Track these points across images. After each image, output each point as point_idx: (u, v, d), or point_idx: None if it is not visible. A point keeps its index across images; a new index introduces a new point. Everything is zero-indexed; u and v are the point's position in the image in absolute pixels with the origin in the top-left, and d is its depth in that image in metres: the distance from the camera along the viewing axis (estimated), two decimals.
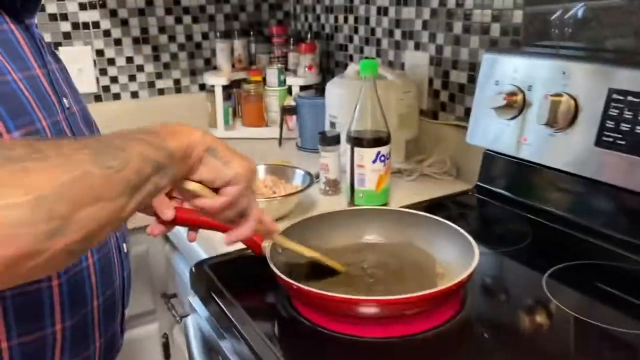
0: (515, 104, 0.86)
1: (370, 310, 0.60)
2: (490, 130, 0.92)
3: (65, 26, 1.41)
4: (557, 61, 0.82)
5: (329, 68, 1.56)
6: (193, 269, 0.77)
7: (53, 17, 1.39)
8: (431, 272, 0.71)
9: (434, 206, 0.95)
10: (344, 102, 1.11)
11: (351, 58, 1.46)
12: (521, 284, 0.73)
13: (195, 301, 0.77)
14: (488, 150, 0.96)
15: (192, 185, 0.52)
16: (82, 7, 1.42)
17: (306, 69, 1.45)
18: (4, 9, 0.57)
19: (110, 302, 0.66)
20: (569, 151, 0.80)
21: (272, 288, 0.67)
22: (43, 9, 1.37)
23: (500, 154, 0.93)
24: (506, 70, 0.89)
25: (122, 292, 0.70)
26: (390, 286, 0.67)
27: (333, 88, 1.17)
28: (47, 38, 1.39)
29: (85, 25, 1.43)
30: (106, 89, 1.50)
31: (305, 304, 0.64)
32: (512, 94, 0.86)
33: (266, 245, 0.70)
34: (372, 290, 0.66)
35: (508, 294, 0.71)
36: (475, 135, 0.96)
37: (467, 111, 1.09)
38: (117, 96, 1.52)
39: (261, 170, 1.02)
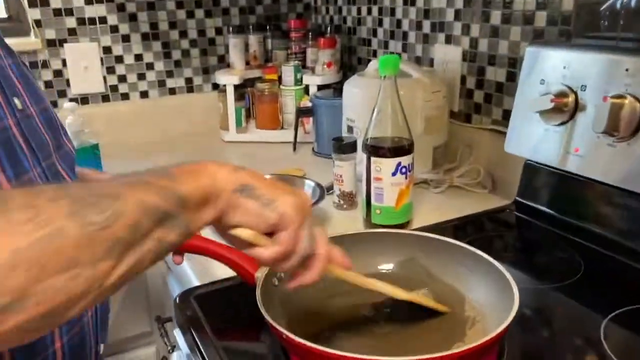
0: (565, 108, 0.72)
1: None
2: (533, 138, 0.78)
3: (70, 22, 1.33)
4: (618, 55, 0.67)
5: (350, 65, 1.43)
6: (177, 299, 0.67)
7: (57, 12, 1.31)
8: (459, 315, 0.58)
9: (464, 226, 0.81)
10: (363, 103, 0.98)
11: (374, 54, 1.33)
12: (573, 332, 0.59)
13: (179, 336, 0.66)
14: (530, 160, 0.82)
15: (240, 232, 0.44)
16: (88, 1, 1.33)
17: (325, 66, 1.32)
18: None
19: (77, 341, 0.55)
20: (632, 165, 0.65)
21: (268, 330, 0.56)
22: (47, 4, 1.29)
23: (545, 165, 0.79)
24: (554, 67, 0.74)
25: (95, 327, 0.59)
26: (408, 338, 0.54)
27: (351, 87, 1.04)
28: (51, 35, 1.31)
29: (92, 21, 1.35)
30: (114, 88, 1.41)
31: (302, 358, 0.52)
32: (562, 95, 0.72)
33: (259, 275, 0.58)
34: (383, 343, 0.54)
35: (556, 345, 0.57)
36: (515, 143, 0.81)
37: (506, 114, 0.95)
38: (125, 96, 1.43)
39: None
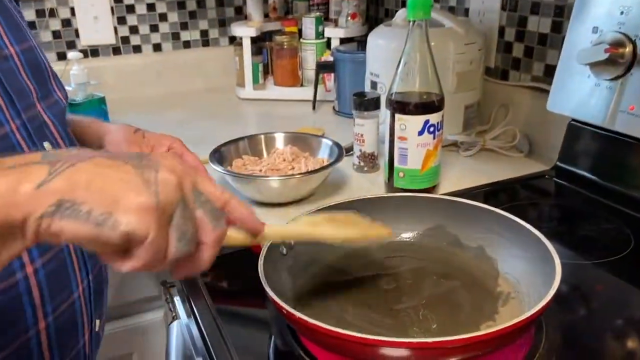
0: (621, 59, 0.62)
1: (401, 355, 0.41)
2: (580, 94, 0.69)
3: None
4: None
5: (376, 17, 1.33)
6: None
7: None
8: (491, 290, 0.51)
9: (497, 192, 0.74)
10: (389, 56, 0.89)
11: (403, 4, 1.22)
12: (624, 314, 0.51)
13: (178, 304, 0.61)
14: (575, 120, 0.73)
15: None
16: None
17: (349, 18, 1.22)
18: None
19: (65, 319, 0.50)
20: None
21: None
22: None
23: (592, 125, 0.70)
24: (610, 12, 0.64)
25: (88, 303, 0.54)
26: (429, 315, 0.48)
27: (376, 39, 0.95)
28: None
29: None
30: (125, 40, 1.34)
31: (310, 340, 0.46)
32: (618, 44, 0.62)
33: (264, 243, 0.52)
34: (399, 320, 0.48)
35: (600, 328, 0.50)
36: (559, 101, 0.72)
37: (549, 70, 0.85)
38: (137, 49, 1.36)
39: (280, 139, 0.84)
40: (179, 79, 1.38)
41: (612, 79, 0.64)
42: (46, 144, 0.49)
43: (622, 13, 0.63)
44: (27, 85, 0.50)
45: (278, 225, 0.44)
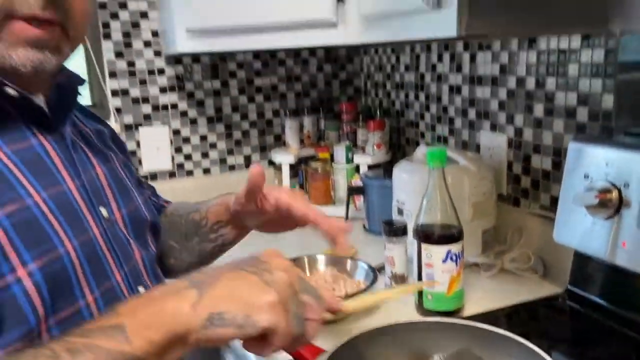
0: (610, 203, 0.75)
1: None
2: (581, 229, 0.81)
3: (146, 108, 1.48)
4: None
5: (399, 144, 1.51)
6: None
7: (135, 100, 1.47)
8: None
9: (517, 314, 0.83)
10: (412, 188, 1.04)
11: (422, 135, 1.40)
12: None
13: None
14: (579, 251, 0.84)
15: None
16: (162, 90, 1.49)
17: (375, 148, 1.40)
18: (33, 122, 0.55)
19: None
20: None
21: None
22: (127, 93, 1.45)
23: (596, 257, 0.81)
24: (597, 163, 0.78)
25: None
26: None
27: (400, 172, 1.11)
28: (129, 119, 1.46)
29: (164, 107, 1.50)
30: (180, 166, 1.54)
31: None
32: (606, 191, 0.75)
33: None
34: None
35: None
36: (564, 233, 0.85)
37: (554, 200, 0.98)
38: (190, 173, 1.55)
39: (321, 261, 0.97)
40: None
41: (605, 218, 0.77)
42: (140, 288, 0.61)
43: (607, 165, 0.77)
44: (128, 241, 0.62)
45: (350, 302, 0.61)
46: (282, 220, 0.72)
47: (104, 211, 0.59)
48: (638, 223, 0.70)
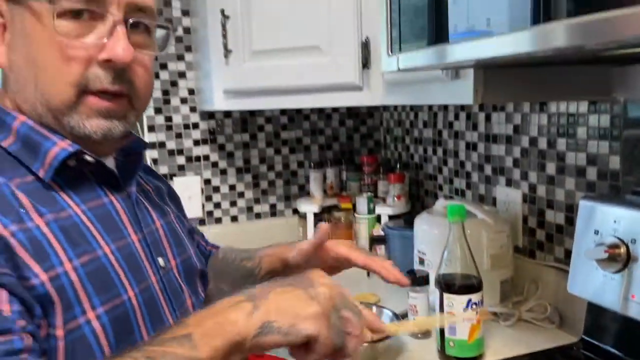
0: (618, 258, 0.81)
1: None
2: (593, 282, 0.87)
3: (181, 160, 1.59)
4: None
5: (418, 196, 1.59)
6: None
7: (171, 152, 1.58)
8: None
9: None
10: (433, 239, 1.11)
11: (441, 188, 1.48)
12: None
13: None
14: (592, 302, 0.89)
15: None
16: (196, 143, 1.60)
17: (395, 199, 1.48)
18: (105, 182, 0.63)
19: None
20: None
21: None
22: (164, 146, 1.56)
23: (608, 308, 0.86)
24: (606, 220, 0.85)
25: None
26: None
27: (421, 224, 1.18)
28: (164, 169, 1.56)
29: (197, 159, 1.60)
30: (210, 213, 1.63)
31: None
32: (614, 246, 0.82)
33: None
34: None
35: None
36: (577, 285, 0.90)
37: (567, 253, 1.04)
38: (218, 220, 1.64)
39: None
40: (251, 244, 1.62)
41: (615, 272, 0.82)
42: None
43: (615, 222, 0.84)
44: (181, 288, 0.69)
45: (392, 325, 0.70)
46: (335, 268, 0.82)
47: (161, 261, 0.67)
48: None
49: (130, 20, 0.59)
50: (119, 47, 0.57)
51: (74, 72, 0.57)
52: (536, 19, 0.54)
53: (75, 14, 0.57)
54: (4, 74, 0.61)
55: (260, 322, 0.49)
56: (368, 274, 1.38)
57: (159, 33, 0.66)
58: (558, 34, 0.52)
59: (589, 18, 0.47)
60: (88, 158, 0.60)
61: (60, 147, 0.58)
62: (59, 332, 0.51)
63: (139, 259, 0.63)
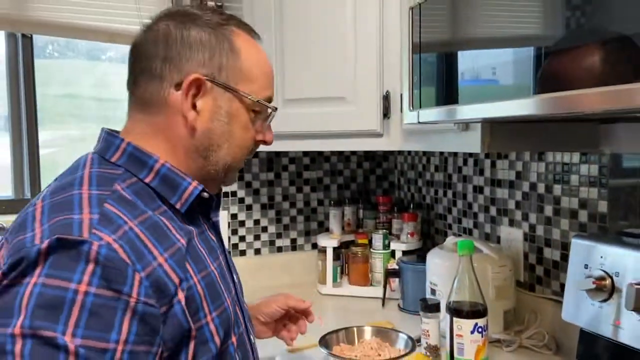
0: (604, 288, 0.94)
1: None
2: (584, 310, 0.99)
3: None
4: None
5: (429, 234, 1.72)
6: None
7: None
8: None
9: None
10: (444, 272, 1.24)
11: (450, 227, 1.61)
12: None
13: None
14: (584, 329, 1.01)
15: None
16: None
17: (409, 236, 1.61)
18: (203, 214, 0.77)
19: None
20: None
21: None
22: None
23: (597, 334, 0.98)
24: (595, 256, 0.98)
25: None
26: None
27: (433, 258, 1.31)
28: None
29: (225, 195, 1.75)
30: (234, 246, 1.76)
31: None
32: (601, 278, 0.95)
33: None
34: None
35: None
36: (570, 314, 1.02)
37: (563, 286, 1.16)
38: (242, 252, 1.77)
39: (368, 331, 1.15)
40: (272, 276, 1.75)
41: (602, 301, 0.95)
42: (252, 337, 0.82)
43: (602, 257, 0.97)
44: (243, 302, 0.84)
45: None
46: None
47: (235, 276, 0.82)
48: (627, 305, 0.88)
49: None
50: (270, 135, 0.80)
51: (252, 147, 0.78)
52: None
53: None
54: (164, 125, 0.74)
55: None
56: (383, 304, 1.51)
57: None
58: (546, 103, 0.67)
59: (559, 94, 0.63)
60: (205, 195, 0.74)
61: (194, 186, 0.72)
62: (193, 333, 0.64)
63: (227, 275, 0.77)
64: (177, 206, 0.70)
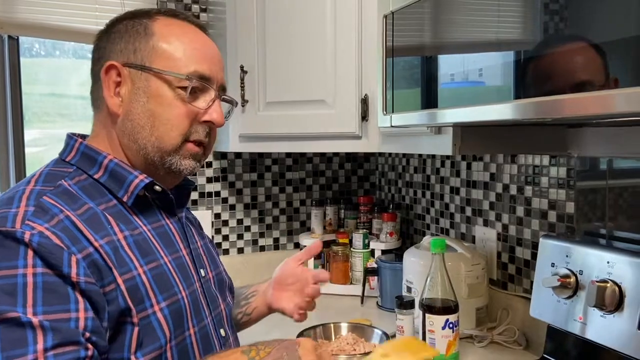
0: (569, 286, 0.98)
1: None
2: (550, 307, 1.03)
3: (194, 195, 1.76)
4: (604, 252, 0.95)
5: (408, 233, 1.76)
6: None
7: None
8: None
9: None
10: (419, 270, 1.28)
11: (428, 227, 1.65)
12: None
13: None
14: (550, 324, 1.06)
15: None
16: (209, 180, 1.78)
17: (388, 235, 1.65)
18: (164, 208, 0.80)
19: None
20: (617, 332, 0.89)
21: None
22: None
23: (561, 329, 1.02)
24: (560, 255, 1.02)
25: None
26: None
27: (409, 257, 1.35)
28: None
29: (209, 194, 1.78)
30: (218, 245, 1.79)
31: None
32: (566, 276, 0.99)
33: None
34: None
35: None
36: (538, 310, 1.07)
37: (533, 285, 1.21)
38: (226, 251, 1.80)
39: (344, 327, 1.18)
40: (254, 275, 1.78)
41: (566, 298, 0.99)
42: (221, 330, 0.84)
43: (567, 256, 1.01)
44: (216, 295, 0.86)
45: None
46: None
47: (202, 272, 0.83)
48: (589, 301, 0.92)
49: (221, 96, 0.81)
50: (216, 113, 0.78)
51: (184, 126, 0.76)
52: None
53: (192, 89, 0.76)
54: (104, 120, 0.78)
55: None
56: (362, 302, 1.54)
57: (225, 106, 0.86)
58: (524, 108, 0.71)
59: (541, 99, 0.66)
60: (157, 188, 0.77)
61: (140, 179, 0.75)
62: (135, 320, 0.67)
63: (187, 268, 0.79)
64: (124, 199, 0.74)
